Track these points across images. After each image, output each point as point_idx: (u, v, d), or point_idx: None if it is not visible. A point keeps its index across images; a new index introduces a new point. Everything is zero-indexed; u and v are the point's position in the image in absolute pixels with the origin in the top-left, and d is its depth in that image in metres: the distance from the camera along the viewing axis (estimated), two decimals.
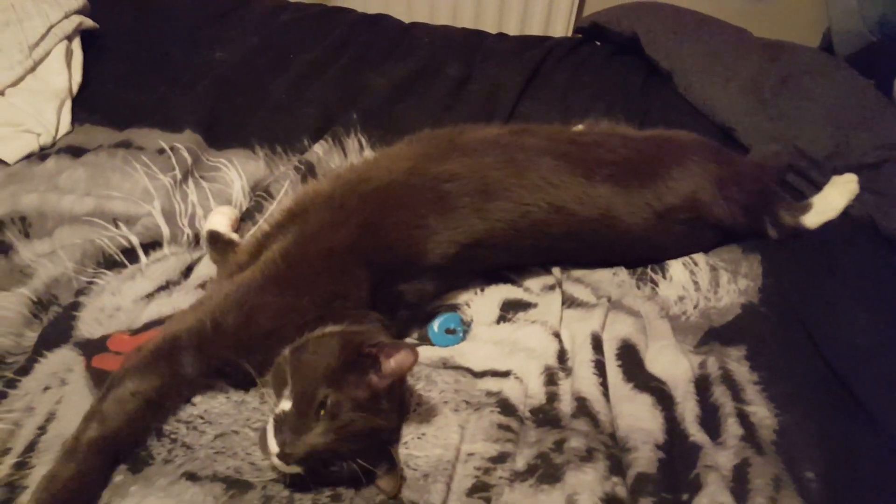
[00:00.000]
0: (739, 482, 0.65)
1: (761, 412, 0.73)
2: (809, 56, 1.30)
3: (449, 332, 0.85)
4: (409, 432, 0.72)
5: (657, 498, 0.64)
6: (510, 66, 1.32)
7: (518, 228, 0.84)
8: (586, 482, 0.65)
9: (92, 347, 0.78)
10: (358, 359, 0.67)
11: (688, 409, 0.73)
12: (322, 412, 0.64)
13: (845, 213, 1.01)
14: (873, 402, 0.75)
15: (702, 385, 0.76)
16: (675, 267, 0.92)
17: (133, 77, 1.27)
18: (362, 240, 0.78)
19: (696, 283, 0.90)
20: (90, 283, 0.86)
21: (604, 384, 0.76)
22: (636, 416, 0.72)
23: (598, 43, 1.53)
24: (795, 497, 0.63)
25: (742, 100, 1.20)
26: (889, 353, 0.81)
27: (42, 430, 0.70)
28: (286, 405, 0.65)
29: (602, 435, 0.70)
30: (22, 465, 0.66)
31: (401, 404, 0.71)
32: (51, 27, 1.24)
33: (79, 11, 1.31)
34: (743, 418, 0.72)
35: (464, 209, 0.82)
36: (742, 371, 0.78)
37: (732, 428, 0.70)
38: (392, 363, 0.66)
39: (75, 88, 1.22)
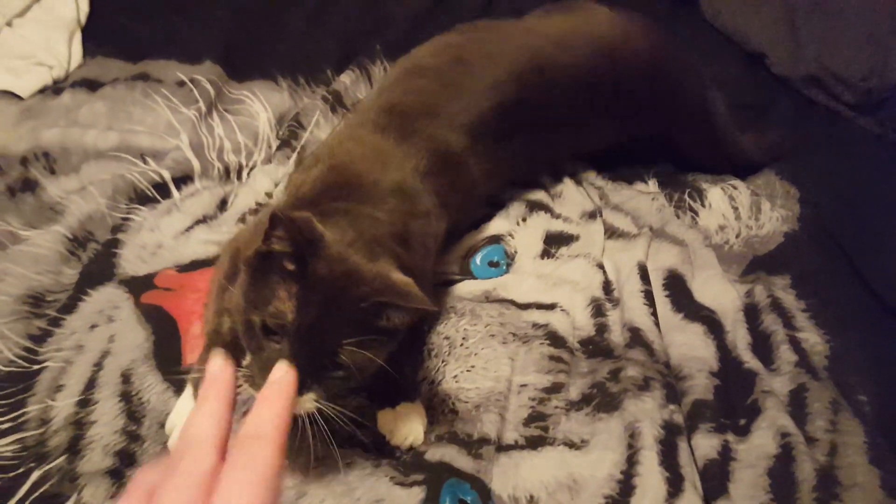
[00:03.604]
0: (797, 406, 0.66)
1: (812, 338, 0.73)
2: None
3: (492, 264, 0.84)
4: (457, 366, 0.72)
5: (716, 423, 0.65)
6: None
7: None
8: (646, 410, 0.65)
9: (139, 285, 0.77)
10: None
11: (739, 337, 0.73)
12: None
13: (879, 138, 1.01)
14: None
15: (751, 313, 0.77)
16: (714, 193, 0.92)
17: (141, 6, 1.21)
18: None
19: (735, 209, 0.90)
20: (125, 219, 0.84)
21: (654, 314, 0.76)
22: (689, 345, 0.73)
23: None
24: (853, 419, 0.65)
25: (774, 25, 1.17)
26: None
27: (98, 366, 0.69)
28: None
29: (657, 364, 0.70)
30: (86, 403, 0.66)
31: None
32: None
33: None
34: (795, 345, 0.72)
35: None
36: (789, 299, 0.78)
37: (786, 354, 0.71)
38: None
39: (83, 19, 1.16)
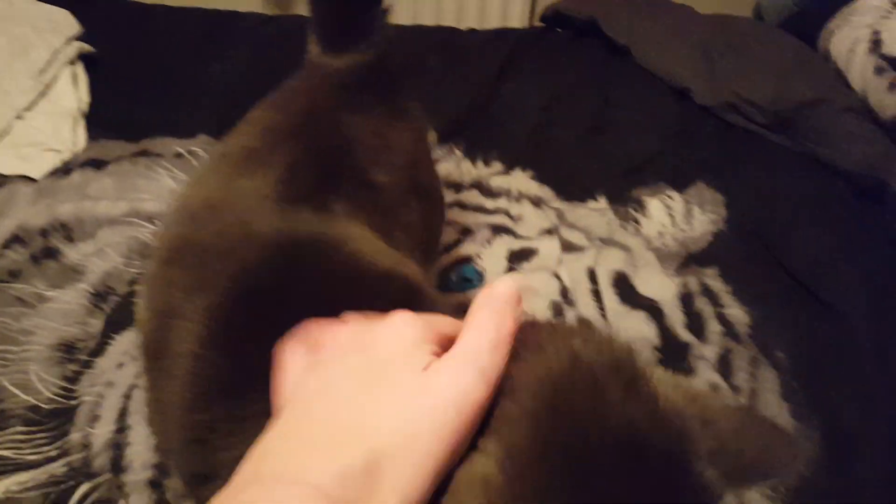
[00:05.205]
0: (724, 365, 0.78)
1: (736, 312, 0.86)
2: (749, 24, 1.48)
3: (465, 280, 0.97)
4: None
5: None
6: (485, 57, 1.44)
7: None
8: None
9: None
10: None
11: (676, 319, 0.86)
12: None
13: (789, 150, 1.17)
14: (834, 298, 0.89)
15: (685, 299, 0.89)
16: (653, 204, 1.06)
17: (138, 95, 1.36)
18: None
19: (672, 216, 1.04)
20: (140, 273, 0.96)
21: (601, 307, 0.89)
22: (634, 329, 0.85)
23: (560, 30, 1.67)
24: (770, 370, 0.77)
25: (693, 64, 1.35)
26: (843, 259, 0.95)
27: (128, 397, 0.80)
28: None
29: None
30: (121, 429, 0.77)
31: None
32: (55, 53, 1.33)
33: (76, 37, 1.40)
34: (721, 319, 0.85)
35: None
36: (717, 285, 0.91)
37: (714, 327, 0.84)
38: None
39: (85, 108, 1.31)
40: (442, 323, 0.37)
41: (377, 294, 0.50)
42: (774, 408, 0.72)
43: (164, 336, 0.52)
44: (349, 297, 0.49)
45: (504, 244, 1.02)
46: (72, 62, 1.36)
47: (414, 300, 0.51)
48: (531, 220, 1.07)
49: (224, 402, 0.46)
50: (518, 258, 1.00)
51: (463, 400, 0.31)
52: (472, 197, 1.12)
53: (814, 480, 0.68)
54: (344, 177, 0.63)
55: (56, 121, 1.25)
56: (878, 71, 1.14)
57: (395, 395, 0.31)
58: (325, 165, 0.63)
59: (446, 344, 0.35)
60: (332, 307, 0.45)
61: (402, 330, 0.35)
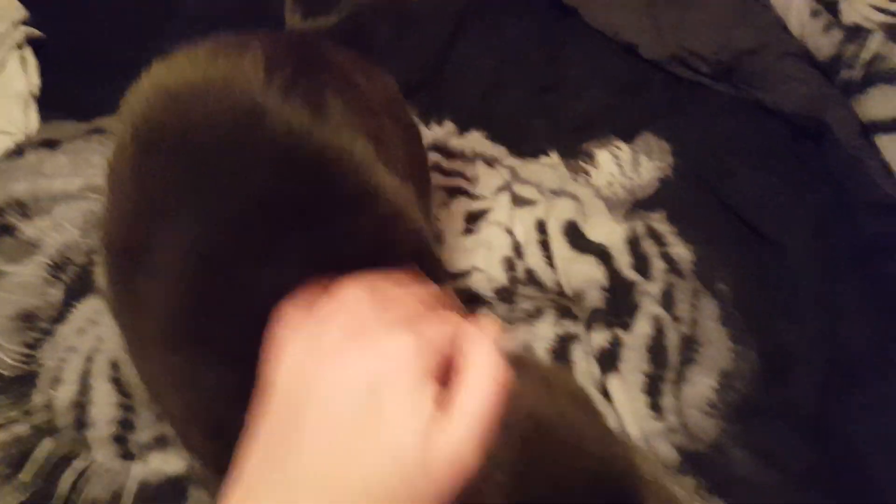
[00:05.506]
0: (667, 299, 0.82)
1: (681, 250, 0.89)
2: None
3: None
4: None
5: (606, 321, 0.80)
6: (434, 23, 1.45)
7: None
8: (537, 333, 0.81)
9: None
10: None
11: (623, 260, 0.89)
12: None
13: (733, 97, 1.20)
14: (777, 234, 0.92)
15: (632, 242, 0.92)
16: (602, 155, 1.09)
17: (88, 76, 1.34)
18: None
19: (620, 166, 1.07)
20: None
21: (548, 257, 0.92)
22: (584, 272, 0.88)
23: None
24: (711, 299, 0.80)
25: (638, 20, 1.37)
26: (785, 197, 0.99)
27: (90, 360, 0.82)
28: None
29: (548, 294, 0.86)
30: (84, 391, 0.79)
31: None
32: (1, 38, 1.31)
33: (22, 22, 1.39)
34: (665, 257, 0.88)
35: None
36: (663, 227, 0.94)
37: (658, 265, 0.87)
38: None
39: (36, 91, 1.30)
40: (441, 338, 0.35)
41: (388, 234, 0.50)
42: (714, 333, 0.76)
43: (153, 231, 0.49)
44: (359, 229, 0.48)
45: (461, 206, 1.04)
46: (19, 46, 1.35)
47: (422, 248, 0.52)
48: (486, 180, 1.09)
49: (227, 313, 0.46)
50: (475, 219, 1.02)
51: (461, 470, 0.30)
52: (431, 158, 1.14)
53: (752, 395, 0.73)
54: (327, 71, 0.60)
55: (6, 104, 1.24)
56: (814, 14, 1.18)
57: (389, 442, 0.30)
58: (304, 55, 0.59)
59: (444, 369, 0.34)
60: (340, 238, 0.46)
61: (406, 355, 0.32)
